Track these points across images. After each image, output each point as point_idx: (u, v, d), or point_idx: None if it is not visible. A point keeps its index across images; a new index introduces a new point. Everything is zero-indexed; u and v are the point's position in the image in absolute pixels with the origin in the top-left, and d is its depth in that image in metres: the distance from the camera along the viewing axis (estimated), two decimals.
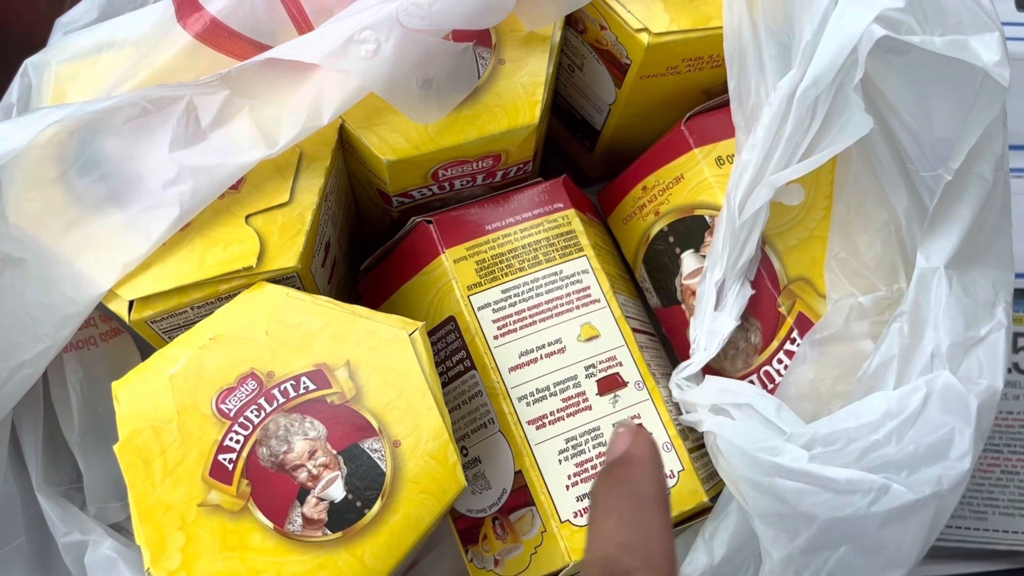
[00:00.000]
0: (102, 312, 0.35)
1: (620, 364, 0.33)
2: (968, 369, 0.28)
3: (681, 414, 0.33)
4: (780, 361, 0.32)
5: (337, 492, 0.27)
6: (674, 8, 0.33)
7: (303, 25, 0.32)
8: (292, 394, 0.28)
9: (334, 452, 0.28)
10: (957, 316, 0.28)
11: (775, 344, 0.32)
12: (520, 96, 0.33)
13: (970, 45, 0.27)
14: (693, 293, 0.34)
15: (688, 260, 0.35)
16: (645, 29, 0.33)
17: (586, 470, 0.31)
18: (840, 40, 0.27)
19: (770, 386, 0.32)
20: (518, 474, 0.31)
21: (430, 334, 0.34)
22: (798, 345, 0.31)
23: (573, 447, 0.32)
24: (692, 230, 0.35)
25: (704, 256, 0.34)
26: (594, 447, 0.32)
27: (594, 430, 0.32)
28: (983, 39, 0.27)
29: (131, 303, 0.29)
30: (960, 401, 0.27)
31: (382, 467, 0.28)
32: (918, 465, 0.26)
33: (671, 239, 0.36)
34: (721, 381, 0.30)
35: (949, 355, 0.28)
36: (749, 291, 0.32)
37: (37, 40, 0.35)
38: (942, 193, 0.28)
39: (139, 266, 0.29)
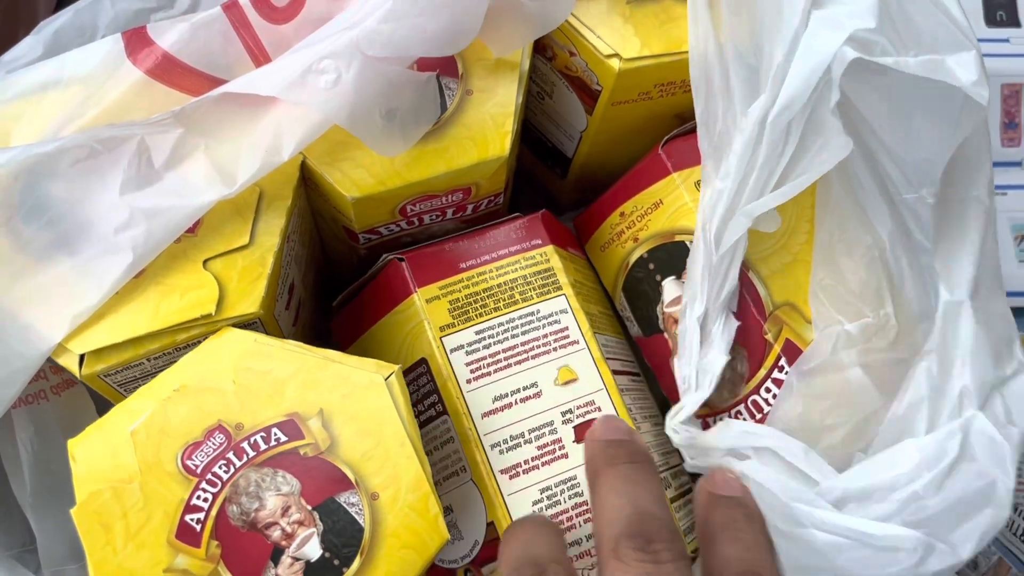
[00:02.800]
0: (52, 364, 0.33)
1: (599, 409, 0.32)
2: (996, 411, 0.26)
3: (680, 460, 0.31)
4: (768, 390, 0.31)
5: (313, 551, 0.26)
6: (645, 32, 0.32)
7: (260, 57, 0.31)
8: (263, 447, 0.27)
9: (309, 508, 0.26)
10: (984, 353, 0.26)
11: (762, 372, 0.31)
12: (489, 127, 0.32)
13: (946, 64, 0.26)
14: (675, 321, 0.33)
15: (669, 287, 0.34)
16: (616, 55, 0.32)
17: (561, 522, 0.30)
18: (811, 63, 0.27)
19: (758, 416, 0.31)
20: (490, 525, 0.30)
21: None
22: (786, 373, 0.30)
23: (548, 497, 0.30)
24: (672, 256, 0.34)
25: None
26: (570, 497, 0.30)
27: (570, 479, 0.30)
28: (960, 58, 0.27)
29: (82, 357, 0.27)
30: (997, 447, 0.25)
31: (360, 522, 0.26)
32: (960, 520, 0.25)
33: (651, 266, 0.35)
34: (740, 424, 0.28)
35: (978, 395, 0.26)
36: (735, 324, 0.30)
37: None
38: (947, 219, 0.27)
39: (90, 317, 0.28)
